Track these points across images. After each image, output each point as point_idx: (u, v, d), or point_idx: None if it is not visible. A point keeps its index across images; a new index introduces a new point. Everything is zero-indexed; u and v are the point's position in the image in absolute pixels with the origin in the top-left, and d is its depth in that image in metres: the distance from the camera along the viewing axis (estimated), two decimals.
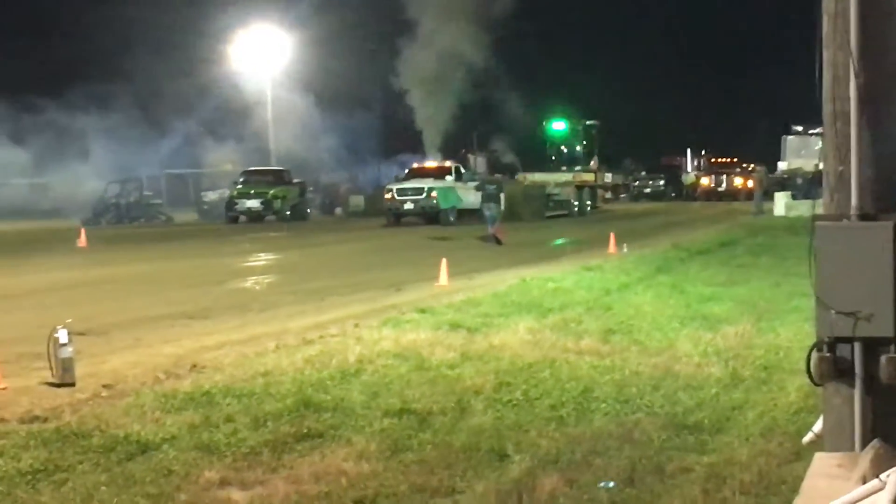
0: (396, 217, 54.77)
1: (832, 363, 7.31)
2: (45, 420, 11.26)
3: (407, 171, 60.22)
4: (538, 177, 67.22)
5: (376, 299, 22.69)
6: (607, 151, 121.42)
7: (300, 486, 9.07)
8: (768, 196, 67.87)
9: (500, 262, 31.97)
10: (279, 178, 64.59)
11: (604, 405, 11.95)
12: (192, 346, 16.35)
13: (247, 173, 64.34)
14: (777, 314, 18.48)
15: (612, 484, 7.78)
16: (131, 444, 10.24)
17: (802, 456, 9.01)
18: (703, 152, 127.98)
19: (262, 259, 36.39)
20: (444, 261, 26.26)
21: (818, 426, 8.26)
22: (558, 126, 75.20)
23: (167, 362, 14.81)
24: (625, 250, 34.16)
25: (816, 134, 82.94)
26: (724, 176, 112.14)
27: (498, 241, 41.73)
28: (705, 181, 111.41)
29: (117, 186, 66.87)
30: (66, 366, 13.31)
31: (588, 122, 77.11)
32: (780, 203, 63.40)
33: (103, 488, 8.94)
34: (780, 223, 50.61)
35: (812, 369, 7.48)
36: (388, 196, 55.58)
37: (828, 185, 7.57)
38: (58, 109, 70.85)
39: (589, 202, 69.42)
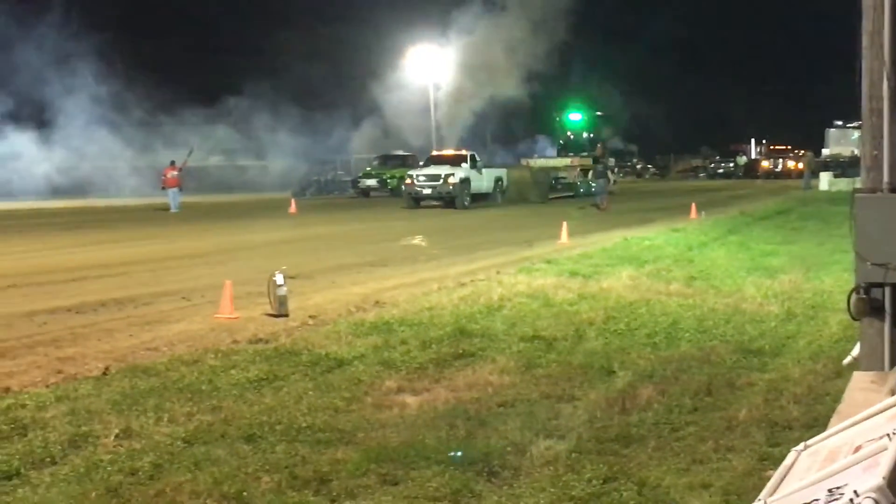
0: (416, 201, 45.44)
1: (867, 303, 7.27)
2: (267, 342, 11.46)
3: (427, 158, 49.90)
4: (541, 162, 58.12)
5: (513, 253, 22.73)
6: (692, 141, 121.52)
7: (457, 393, 9.13)
8: (815, 175, 67.27)
9: (607, 225, 31.83)
10: (403, 161, 57.10)
11: (687, 334, 11.90)
12: (375, 287, 16.50)
13: (379, 157, 58.46)
14: (822, 266, 18.28)
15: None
16: (330, 360, 10.38)
17: (842, 374, 8.88)
18: (763, 140, 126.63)
19: (425, 223, 36.49)
20: (564, 224, 26.29)
21: (855, 351, 8.15)
22: (575, 116, 65.93)
23: (356, 299, 14.97)
24: (703, 216, 33.89)
25: (853, 127, 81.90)
26: (780, 159, 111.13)
27: (603, 209, 42.08)
28: (765, 163, 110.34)
29: (318, 167, 67.07)
30: (282, 301, 13.54)
31: (597, 113, 67.88)
32: (824, 180, 63.55)
33: (310, 392, 9.07)
34: (824, 196, 50.11)
35: (851, 307, 7.41)
36: (408, 181, 46.11)
37: (864, 165, 7.52)
38: (261, 103, 69.11)
39: (593, 184, 56.09)
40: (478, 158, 48.05)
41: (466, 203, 44.33)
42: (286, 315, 13.33)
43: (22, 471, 6.88)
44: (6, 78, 56.22)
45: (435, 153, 49.65)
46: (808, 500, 3.18)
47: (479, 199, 46.77)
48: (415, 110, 72.50)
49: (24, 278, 18.36)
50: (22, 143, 56.42)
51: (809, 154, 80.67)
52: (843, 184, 56.51)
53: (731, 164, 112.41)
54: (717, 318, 12.94)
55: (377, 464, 6.98)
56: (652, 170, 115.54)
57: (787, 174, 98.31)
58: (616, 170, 69.10)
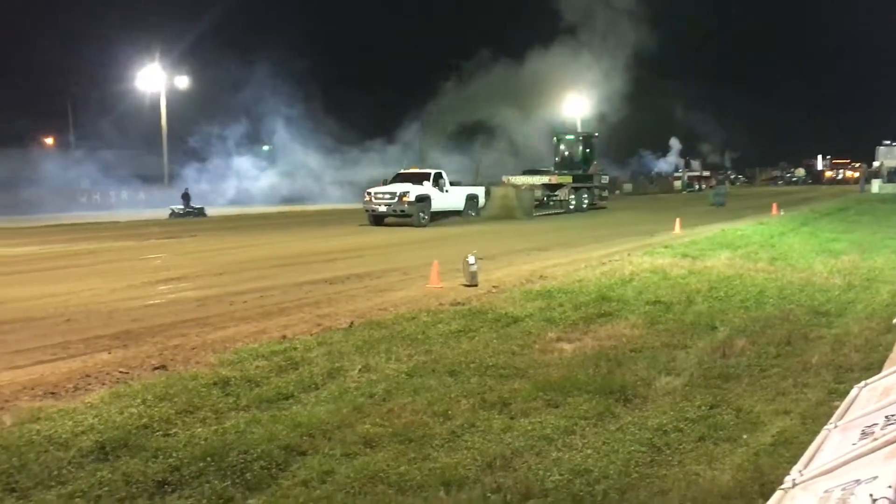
0: (375, 218, 32.68)
1: None
2: (463, 304, 11.56)
3: (394, 175, 36.21)
4: (520, 179, 43.53)
5: (639, 241, 22.43)
6: (773, 155, 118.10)
7: (600, 342, 9.09)
8: (867, 182, 65.14)
9: (709, 220, 31.13)
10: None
11: (771, 300, 11.63)
12: (539, 265, 16.48)
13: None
14: (875, 249, 17.87)
15: None
16: (508, 318, 10.42)
17: (892, 330, 8.63)
18: (828, 155, 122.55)
19: (562, 222, 36.25)
20: (677, 219, 25.91)
21: None
22: (569, 137, 50.91)
23: (526, 274, 14.99)
24: (782, 213, 32.99)
25: None
26: (841, 170, 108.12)
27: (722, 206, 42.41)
28: (829, 173, 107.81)
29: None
30: (473, 275, 13.64)
31: (588, 133, 52.77)
32: (875, 186, 62.20)
33: (494, 341, 9.13)
34: (875, 198, 48.72)
35: None
36: (366, 198, 33.21)
37: None
38: (432, 133, 65.71)
39: (586, 200, 45.20)
40: (443, 177, 34.97)
41: (424, 221, 32.41)
42: (476, 285, 13.43)
43: (295, 394, 7.12)
44: (244, 110, 58.02)
45: (402, 171, 37.08)
46: (869, 424, 3.07)
47: (451, 215, 34.81)
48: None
49: (292, 259, 18.97)
50: (253, 162, 57.97)
51: (863, 165, 78.56)
52: (890, 188, 55.05)
53: (795, 177, 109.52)
54: (794, 288, 12.64)
55: (543, 392, 7.01)
56: (742, 179, 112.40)
57: (845, 181, 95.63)
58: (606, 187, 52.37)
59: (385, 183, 34.87)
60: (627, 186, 76.40)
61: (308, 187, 56.89)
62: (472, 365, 7.98)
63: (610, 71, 66.66)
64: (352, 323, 10.30)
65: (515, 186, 40.30)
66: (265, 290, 13.78)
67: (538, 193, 41.57)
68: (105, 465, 5.42)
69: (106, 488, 5.05)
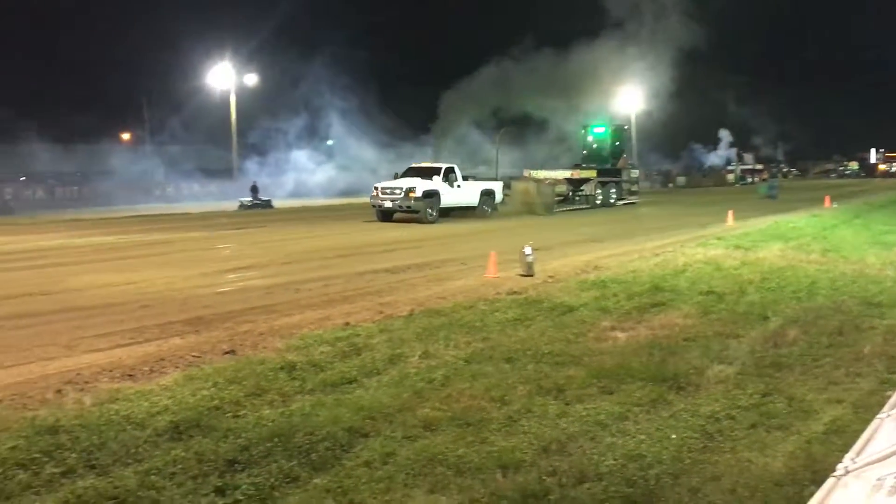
0: (382, 215, 29.83)
1: None
2: (519, 293, 11.55)
3: (406, 169, 32.46)
4: (542, 173, 38.37)
5: (691, 232, 22.15)
6: (826, 149, 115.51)
7: (653, 331, 9.01)
8: None
9: (762, 212, 30.59)
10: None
11: (823, 291, 11.39)
12: (594, 256, 16.38)
13: (408, 169, 33.04)
14: None
15: None
16: (564, 307, 10.38)
17: None
18: (881, 149, 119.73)
19: (619, 214, 35.91)
20: (730, 211, 25.56)
21: None
22: (599, 130, 44.29)
23: (581, 264, 14.90)
24: (835, 205, 32.32)
25: None
26: (894, 163, 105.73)
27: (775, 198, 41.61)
28: (882, 166, 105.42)
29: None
30: (529, 265, 13.61)
31: (618, 125, 46.59)
32: None
33: (550, 329, 9.11)
34: None
35: None
36: (373, 193, 30.47)
37: None
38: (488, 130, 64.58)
39: (614, 195, 40.31)
40: (454, 171, 31.62)
41: (432, 217, 29.12)
42: (532, 275, 13.39)
43: (358, 378, 7.19)
44: (304, 106, 58.33)
45: (414, 165, 33.50)
46: None
47: (466, 211, 31.78)
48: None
49: (354, 250, 19.10)
50: (310, 156, 58.24)
51: None
52: None
53: (856, 168, 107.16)
54: (846, 280, 12.38)
55: (597, 379, 6.98)
56: (795, 172, 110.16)
57: None
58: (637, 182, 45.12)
59: (396, 177, 31.84)
60: (681, 179, 75.14)
61: (364, 180, 57.16)
62: (528, 352, 7.97)
63: (657, 64, 64.91)
64: (412, 311, 10.34)
65: (536, 181, 36.66)
66: (329, 279, 13.91)
67: (562, 188, 37.95)
68: (179, 444, 5.53)
69: (180, 466, 5.16)
